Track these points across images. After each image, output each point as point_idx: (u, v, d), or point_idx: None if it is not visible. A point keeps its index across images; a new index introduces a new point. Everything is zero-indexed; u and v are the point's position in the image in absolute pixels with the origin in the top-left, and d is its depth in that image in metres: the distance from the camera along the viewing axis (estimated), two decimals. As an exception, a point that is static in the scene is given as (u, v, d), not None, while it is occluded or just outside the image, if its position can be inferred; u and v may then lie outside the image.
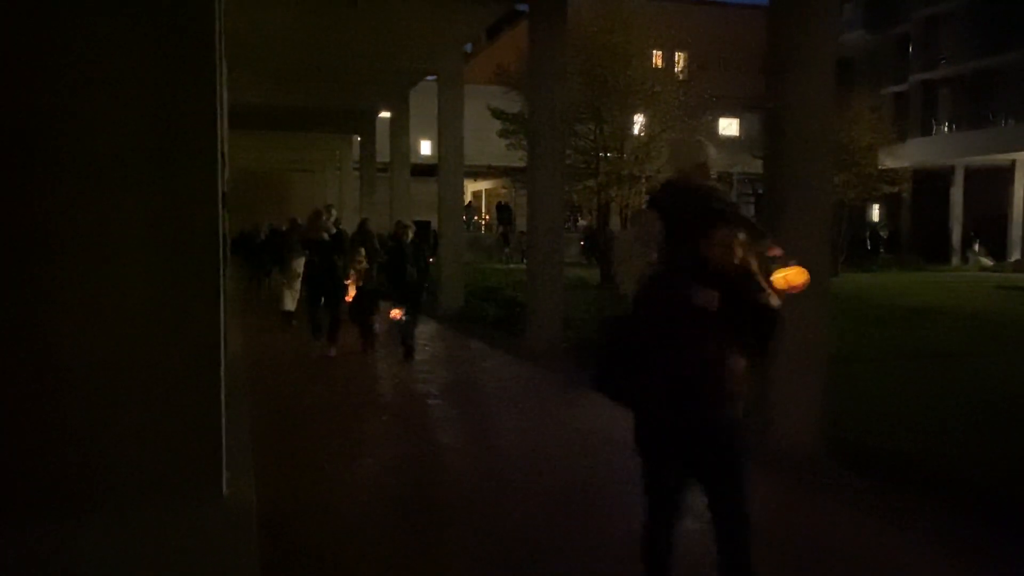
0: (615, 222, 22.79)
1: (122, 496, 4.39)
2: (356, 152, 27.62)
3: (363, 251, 10.57)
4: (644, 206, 3.62)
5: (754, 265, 3.08)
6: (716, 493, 3.26)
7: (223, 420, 4.76)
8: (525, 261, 30.79)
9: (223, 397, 4.80)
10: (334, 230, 10.79)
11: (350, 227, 14.26)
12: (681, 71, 26.80)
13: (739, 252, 3.03)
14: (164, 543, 4.07)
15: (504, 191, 37.79)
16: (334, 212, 12.00)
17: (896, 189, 29.20)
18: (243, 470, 5.17)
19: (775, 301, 3.07)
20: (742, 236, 3.07)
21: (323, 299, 10.35)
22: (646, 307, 3.16)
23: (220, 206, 4.82)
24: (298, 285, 12.52)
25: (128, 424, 4.48)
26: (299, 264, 12.06)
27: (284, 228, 17.36)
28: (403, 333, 10.00)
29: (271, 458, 5.73)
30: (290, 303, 12.91)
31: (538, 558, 4.15)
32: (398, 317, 10.08)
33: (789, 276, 3.28)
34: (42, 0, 4.36)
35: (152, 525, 4.24)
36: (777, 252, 3.33)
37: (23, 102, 4.34)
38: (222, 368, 4.82)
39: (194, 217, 4.61)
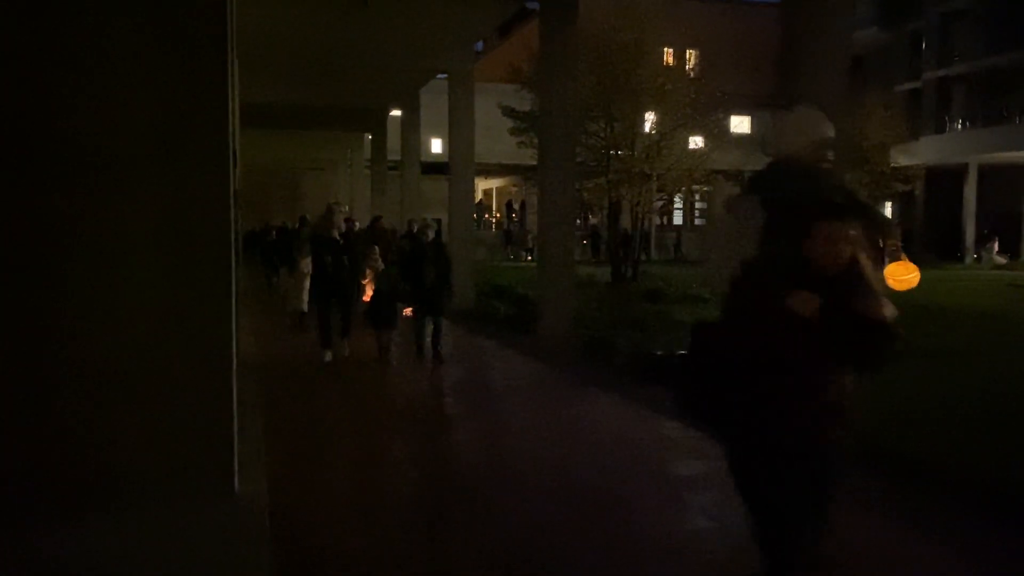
0: (625, 219, 22.74)
1: (135, 494, 4.41)
2: (367, 150, 27.68)
3: (377, 249, 10.27)
4: (742, 189, 3.03)
5: (867, 267, 2.60)
6: (787, 526, 2.74)
7: (235, 419, 4.78)
8: (528, 258, 30.85)
9: (235, 395, 4.82)
10: (344, 228, 10.47)
11: (360, 226, 14.26)
12: (692, 69, 26.69)
13: (849, 251, 2.56)
14: (176, 541, 4.09)
15: (515, 189, 37.79)
16: (346, 209, 11.78)
17: (909, 187, 29.06)
18: (255, 468, 5.19)
19: (888, 311, 2.57)
20: (854, 231, 2.58)
21: (334, 300, 9.93)
22: (737, 314, 2.70)
23: (232, 205, 4.84)
24: (307, 284, 12.15)
25: (140, 422, 4.50)
26: (308, 263, 11.73)
27: (294, 227, 17.36)
28: (417, 335, 9.71)
29: (283, 457, 5.75)
30: (302, 303, 12.60)
31: (549, 557, 4.15)
32: (410, 315, 9.87)
33: (899, 273, 2.84)
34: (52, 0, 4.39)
35: (164, 523, 4.26)
36: (895, 244, 2.85)
37: (34, 102, 4.36)
38: (234, 367, 4.84)
39: (206, 216, 4.63)
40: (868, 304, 2.54)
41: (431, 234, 9.89)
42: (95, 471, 4.40)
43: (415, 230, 12.65)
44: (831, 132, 3.00)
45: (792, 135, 3.02)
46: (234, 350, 4.86)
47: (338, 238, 9.87)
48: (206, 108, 4.63)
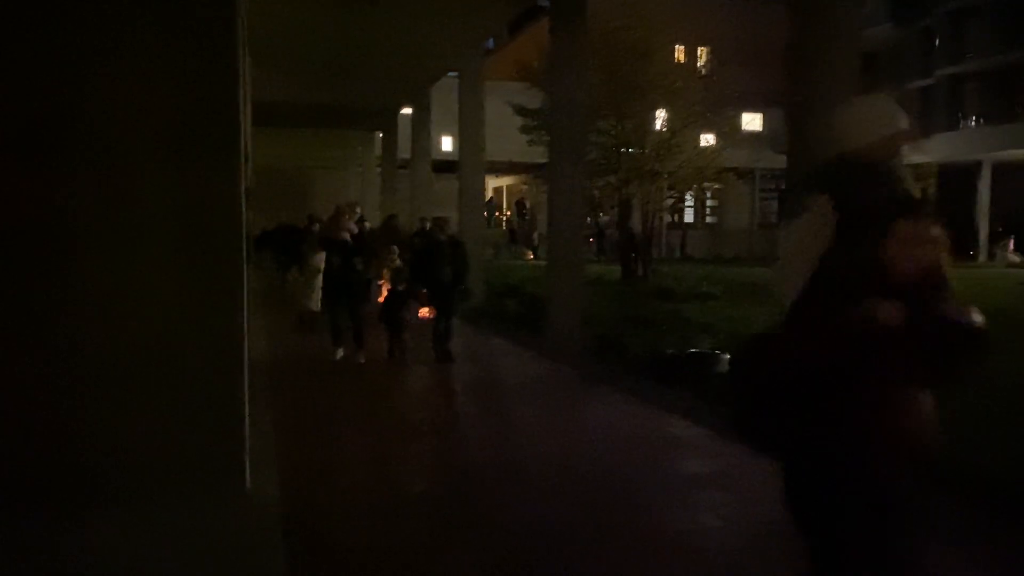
0: (636, 218, 22.69)
1: (147, 490, 4.44)
2: (378, 149, 27.71)
3: (395, 248, 10.08)
4: (808, 188, 2.68)
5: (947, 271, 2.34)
6: (850, 565, 2.37)
7: (247, 415, 4.80)
8: (531, 256, 30.79)
9: (246, 392, 4.84)
10: (355, 229, 10.23)
11: (372, 225, 14.21)
12: (703, 66, 26.62)
13: (933, 254, 2.29)
14: (188, 536, 4.12)
15: (525, 187, 37.77)
16: (358, 211, 11.62)
17: (921, 185, 28.93)
18: (266, 465, 5.21)
19: (977, 318, 2.30)
20: (937, 232, 2.33)
21: (343, 303, 9.65)
22: (803, 324, 2.40)
23: (242, 203, 4.86)
24: (317, 283, 11.93)
25: (152, 419, 4.53)
26: (318, 262, 11.54)
27: (301, 226, 17.28)
28: (436, 336, 9.47)
29: (294, 454, 5.77)
30: (312, 303, 12.31)
31: (559, 555, 4.16)
32: (427, 317, 9.64)
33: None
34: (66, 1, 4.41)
35: (176, 519, 4.28)
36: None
37: (44, 99, 4.39)
38: (245, 364, 4.86)
39: (216, 214, 4.65)
40: (958, 311, 2.27)
41: (447, 231, 9.61)
42: (107, 468, 4.43)
43: (427, 227, 12.54)
44: (906, 124, 2.69)
45: (863, 127, 2.67)
46: (245, 347, 4.89)
47: (347, 240, 9.64)
48: (217, 106, 4.64)
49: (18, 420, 4.38)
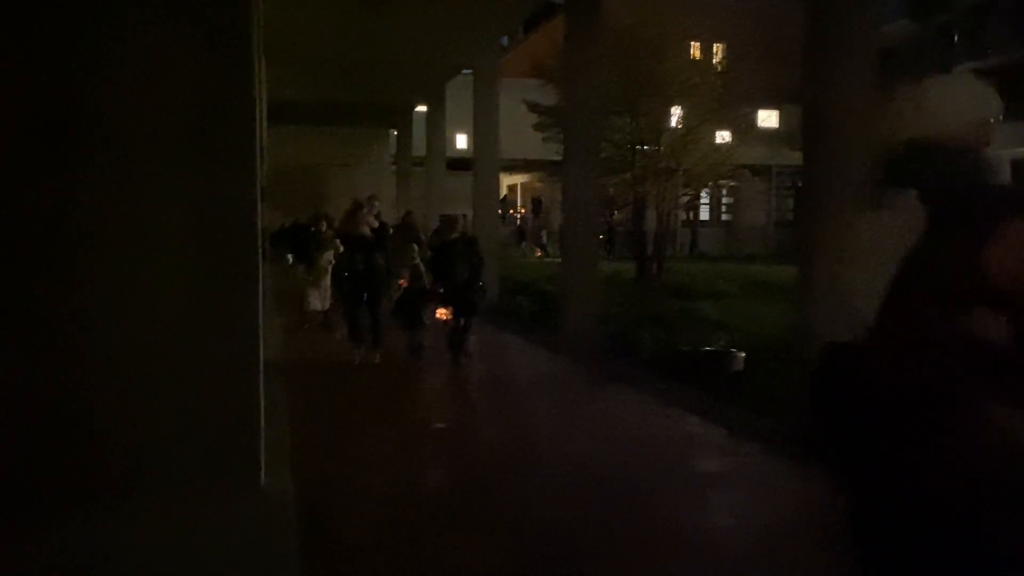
0: (650, 216, 22.62)
1: (162, 485, 4.47)
2: (393, 146, 27.77)
3: (415, 246, 9.77)
4: (890, 178, 2.33)
5: None
6: None
7: (262, 412, 4.83)
8: (538, 253, 30.71)
9: (262, 389, 4.87)
10: (375, 224, 9.80)
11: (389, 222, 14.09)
12: (719, 62, 26.47)
13: None
14: (203, 531, 4.14)
15: (540, 185, 37.72)
16: (377, 204, 10.95)
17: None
18: (280, 461, 5.24)
19: None
20: None
21: (363, 301, 9.31)
22: (887, 336, 2.09)
23: (258, 201, 4.88)
24: (326, 282, 11.75)
25: (168, 415, 4.56)
26: (326, 260, 11.52)
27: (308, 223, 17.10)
28: (452, 335, 9.25)
29: (307, 450, 5.80)
30: (316, 302, 12.11)
31: (574, 553, 4.16)
32: (444, 318, 9.40)
33: None
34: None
35: (191, 514, 4.31)
36: None
37: (61, 99, 4.42)
38: (260, 361, 4.88)
39: (233, 212, 4.67)
40: None
41: (459, 229, 9.45)
42: (123, 464, 4.47)
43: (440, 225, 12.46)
44: (999, 108, 2.31)
45: (958, 107, 2.27)
46: (261, 344, 4.91)
47: (366, 235, 9.33)
48: (233, 105, 4.67)
49: (36, 417, 4.42)
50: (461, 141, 30.51)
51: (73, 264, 4.46)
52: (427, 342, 9.54)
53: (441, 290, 9.29)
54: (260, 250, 4.96)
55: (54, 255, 4.44)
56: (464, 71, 17.51)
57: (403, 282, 9.45)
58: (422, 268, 9.52)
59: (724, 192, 34.94)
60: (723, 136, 23.45)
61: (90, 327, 4.48)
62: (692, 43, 24.03)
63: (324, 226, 13.38)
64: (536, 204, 39.41)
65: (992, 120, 2.26)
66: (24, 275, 4.41)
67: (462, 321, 9.24)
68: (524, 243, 33.77)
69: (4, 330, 4.37)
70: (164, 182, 4.55)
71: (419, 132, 22.07)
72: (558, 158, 17.00)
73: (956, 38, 36.51)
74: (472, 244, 9.51)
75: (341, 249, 10.72)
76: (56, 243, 4.43)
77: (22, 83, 4.36)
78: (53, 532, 4.04)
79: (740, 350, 8.81)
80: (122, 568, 3.75)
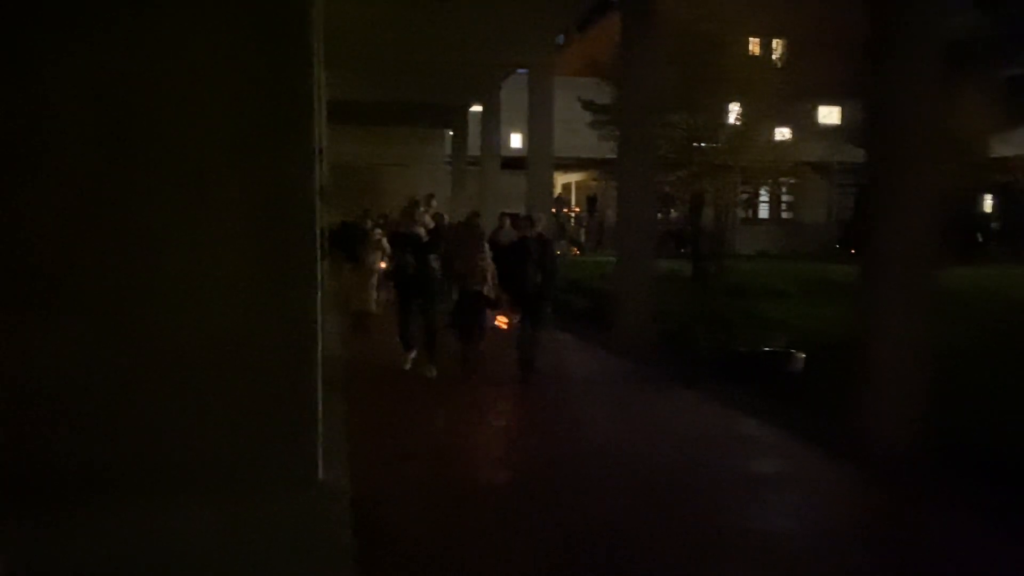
0: (708, 214, 22.33)
1: (224, 478, 4.58)
2: (448, 146, 27.94)
3: (486, 246, 8.84)
4: None
5: None
6: None
7: (319, 408, 4.91)
8: (575, 251, 30.53)
9: (320, 385, 4.95)
10: (431, 224, 9.26)
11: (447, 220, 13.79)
12: (778, 58, 25.98)
13: None
14: (263, 524, 4.23)
15: (594, 183, 37.56)
16: (435, 203, 10.53)
17: (1011, 178, 27.70)
18: (338, 456, 5.32)
19: None
20: None
21: (415, 305, 8.58)
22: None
23: (317, 200, 4.95)
24: (373, 282, 11.31)
25: (228, 410, 4.67)
26: (374, 261, 11.22)
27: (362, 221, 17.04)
28: (520, 347, 8.29)
29: (364, 446, 5.87)
30: (369, 304, 11.49)
31: (628, 553, 4.13)
32: (504, 326, 8.68)
33: None
34: (145, 2, 4.56)
35: (252, 507, 4.40)
36: None
37: (129, 100, 4.55)
38: (319, 357, 4.96)
39: (292, 210, 4.76)
40: None
41: (537, 228, 8.45)
42: (184, 458, 4.59)
43: (507, 223, 11.79)
44: None
45: None
46: (319, 341, 4.99)
47: (420, 234, 8.70)
48: (292, 106, 4.75)
49: (101, 410, 4.56)
50: (516, 140, 30.57)
51: (138, 262, 4.59)
52: (484, 354, 8.64)
53: (508, 296, 8.40)
54: (319, 248, 5.04)
55: (120, 253, 4.57)
56: (519, 70, 17.51)
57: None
58: (490, 272, 8.56)
59: (783, 190, 34.28)
60: (782, 133, 23.03)
61: (155, 324, 4.61)
62: (751, 38, 23.63)
63: (370, 225, 13.33)
64: (591, 202, 39.22)
65: None
66: (91, 273, 4.55)
67: (529, 330, 8.23)
68: (562, 241, 33.65)
69: (72, 325, 4.52)
70: (226, 182, 4.65)
71: (474, 132, 22.16)
72: (613, 156, 16.92)
73: (1028, 29, 35.15)
74: (546, 245, 8.43)
75: (388, 250, 10.43)
76: (122, 241, 4.56)
77: (90, 86, 4.50)
78: (115, 523, 4.17)
79: (800, 351, 8.64)
80: (182, 559, 3.85)
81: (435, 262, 8.59)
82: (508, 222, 12.01)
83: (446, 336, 8.68)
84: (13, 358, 4.47)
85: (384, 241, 11.19)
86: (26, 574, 3.65)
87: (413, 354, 8.75)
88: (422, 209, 9.07)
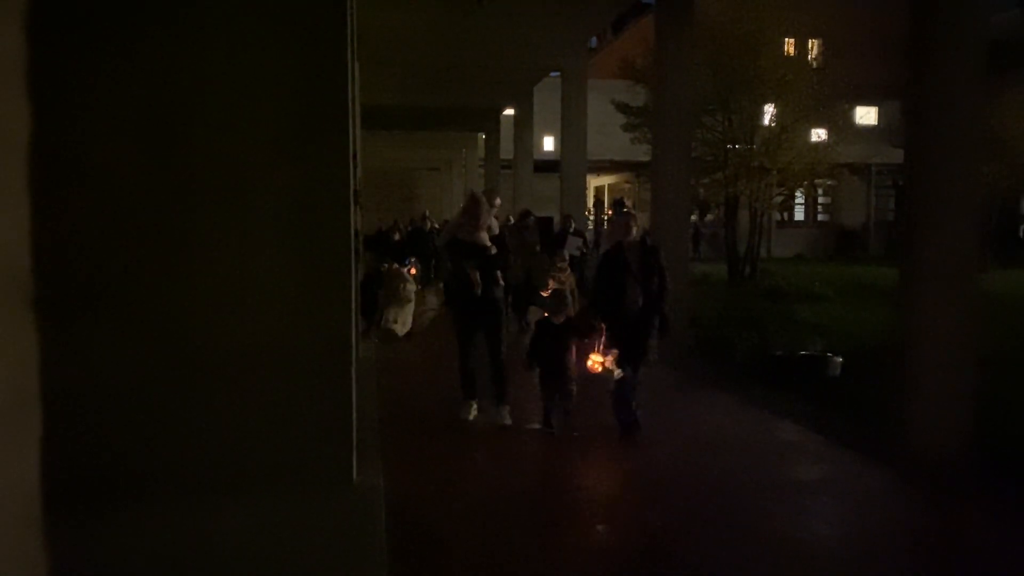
0: (744, 216, 22.14)
1: (259, 480, 4.62)
2: (481, 150, 28.03)
3: (565, 254, 7.45)
4: None
5: None
6: None
7: (354, 411, 4.93)
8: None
9: (354, 388, 4.97)
10: (496, 229, 7.07)
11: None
12: (815, 59, 25.69)
13: None
14: (298, 525, 4.26)
15: (628, 186, 37.44)
16: (498, 201, 8.14)
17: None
18: (372, 459, 5.34)
19: None
20: None
21: (480, 335, 6.68)
22: None
23: (352, 204, 4.98)
24: (408, 310, 9.79)
25: (265, 413, 4.71)
26: (408, 292, 10.02)
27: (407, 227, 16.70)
28: (618, 399, 6.17)
29: (398, 449, 5.89)
30: (398, 324, 9.94)
31: (667, 560, 4.10)
32: (599, 370, 6.19)
33: None
34: (179, 7, 4.63)
35: (287, 507, 4.44)
36: None
37: (165, 105, 4.61)
38: (353, 360, 4.99)
39: (327, 215, 4.79)
40: None
41: (636, 231, 6.19)
42: (222, 459, 4.63)
43: (571, 228, 10.95)
44: None
45: None
46: (354, 344, 5.01)
47: (488, 245, 6.57)
48: (327, 110, 4.78)
49: (137, 413, 4.62)
50: (548, 143, 30.59)
51: (175, 265, 4.65)
52: (574, 404, 6.42)
53: (603, 325, 6.21)
54: (353, 252, 5.07)
55: (157, 256, 4.63)
56: (552, 73, 17.52)
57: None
58: (571, 292, 7.12)
59: (820, 192, 33.89)
60: (819, 134, 22.76)
61: (191, 326, 4.66)
62: (787, 39, 23.39)
63: (397, 235, 12.93)
64: (619, 205, 39.06)
65: None
66: (129, 276, 4.61)
67: (630, 371, 6.14)
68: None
69: (109, 328, 4.58)
70: (261, 185, 4.69)
71: (507, 135, 22.20)
72: (646, 159, 16.84)
73: (1074, 27, 34.33)
74: (652, 255, 6.17)
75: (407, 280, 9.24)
76: (159, 245, 4.62)
77: (129, 90, 4.57)
78: (153, 525, 4.22)
79: (838, 355, 8.52)
80: (219, 559, 3.88)
81: (509, 279, 6.92)
82: (573, 224, 11.07)
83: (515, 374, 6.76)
84: (56, 364, 4.54)
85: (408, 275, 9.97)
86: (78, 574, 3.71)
87: (475, 405, 6.75)
88: (488, 208, 6.72)
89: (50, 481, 1.45)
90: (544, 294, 7.47)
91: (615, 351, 6.11)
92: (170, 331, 4.65)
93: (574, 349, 6.35)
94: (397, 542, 4.12)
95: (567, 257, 7.28)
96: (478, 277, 6.46)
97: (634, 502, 4.97)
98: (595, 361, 6.23)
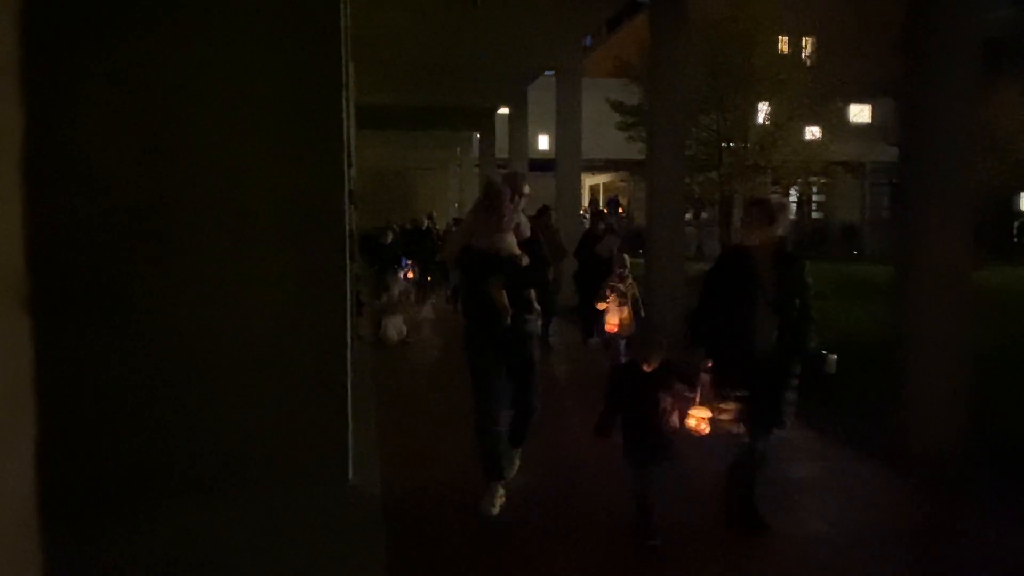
0: (737, 215, 22.19)
1: (255, 480, 4.61)
2: (476, 149, 28.03)
3: (626, 259, 5.94)
4: None
5: None
6: None
7: (349, 410, 4.93)
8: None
9: (349, 388, 4.97)
10: (527, 232, 4.71)
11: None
12: (809, 56, 25.75)
13: None
14: (294, 525, 4.25)
15: (622, 184, 37.48)
16: (527, 189, 5.03)
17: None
18: (368, 458, 5.33)
19: None
20: None
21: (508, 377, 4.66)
22: None
23: (347, 204, 4.98)
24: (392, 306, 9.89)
25: (261, 412, 4.70)
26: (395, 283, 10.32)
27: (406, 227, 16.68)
28: (736, 475, 4.36)
29: (394, 449, 5.87)
30: (394, 331, 10.27)
31: (659, 554, 4.10)
32: (703, 431, 4.17)
33: None
34: (174, 7, 4.61)
35: (283, 508, 4.43)
36: None
37: (161, 101, 4.60)
38: (348, 360, 4.98)
39: (321, 213, 4.78)
40: None
41: (774, 230, 4.23)
42: (218, 460, 4.63)
43: (601, 227, 10.04)
44: None
45: None
46: (349, 345, 5.01)
47: (518, 254, 4.55)
48: (322, 110, 4.78)
49: (133, 413, 4.61)
50: (543, 142, 30.61)
51: (169, 263, 4.63)
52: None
53: (708, 362, 4.25)
54: (347, 251, 5.06)
55: (151, 254, 4.62)
56: (547, 72, 17.52)
57: (615, 324, 5.13)
58: (634, 302, 5.50)
59: (815, 190, 33.98)
60: (813, 132, 22.83)
61: (185, 327, 4.65)
62: (781, 37, 23.44)
63: (390, 237, 12.82)
64: (612, 203, 39.03)
65: None
66: (122, 274, 4.59)
67: (761, 441, 4.32)
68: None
69: (102, 327, 4.56)
70: (256, 183, 4.68)
71: (502, 134, 22.20)
72: (640, 157, 16.86)
73: (1066, 25, 34.43)
74: (793, 263, 4.31)
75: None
76: (153, 243, 4.61)
77: (123, 91, 4.56)
78: (150, 525, 4.21)
79: (833, 352, 8.51)
80: (216, 558, 3.88)
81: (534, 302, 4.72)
82: (602, 224, 10.34)
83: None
84: (50, 364, 4.52)
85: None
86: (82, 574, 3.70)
87: (501, 493, 4.64)
88: (511, 200, 4.55)
89: (45, 481, 1.45)
90: (601, 307, 6.07)
91: (735, 402, 4.12)
92: (164, 332, 4.64)
93: (670, 402, 4.17)
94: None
95: (626, 262, 5.76)
96: (506, 299, 4.48)
97: (621, 487, 4.96)
98: (699, 417, 4.19)
